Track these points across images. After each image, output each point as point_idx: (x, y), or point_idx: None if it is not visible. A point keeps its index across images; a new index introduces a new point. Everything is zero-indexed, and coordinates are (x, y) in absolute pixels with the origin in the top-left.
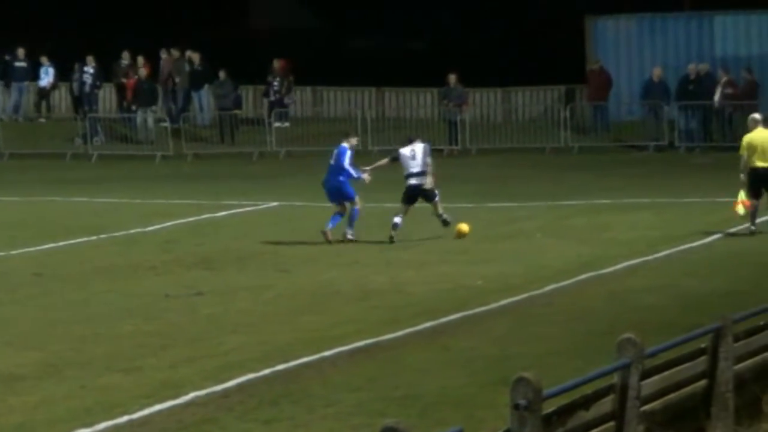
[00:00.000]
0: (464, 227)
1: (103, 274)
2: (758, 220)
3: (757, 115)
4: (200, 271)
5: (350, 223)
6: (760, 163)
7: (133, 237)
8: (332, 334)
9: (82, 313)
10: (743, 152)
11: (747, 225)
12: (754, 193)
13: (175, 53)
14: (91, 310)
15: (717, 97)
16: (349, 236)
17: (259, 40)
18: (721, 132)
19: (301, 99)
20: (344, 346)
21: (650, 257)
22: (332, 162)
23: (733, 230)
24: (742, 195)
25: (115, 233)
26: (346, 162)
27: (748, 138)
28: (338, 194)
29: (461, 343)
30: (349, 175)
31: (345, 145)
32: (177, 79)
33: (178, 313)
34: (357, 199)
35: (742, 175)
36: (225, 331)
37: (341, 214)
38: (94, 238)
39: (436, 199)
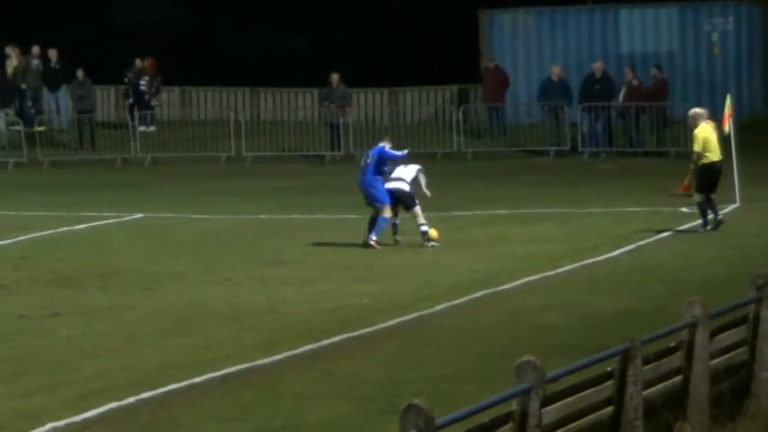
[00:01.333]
0: (433, 233)
1: None
2: (684, 227)
3: (699, 110)
4: (57, 290)
5: (376, 228)
6: (714, 157)
7: None
8: (203, 359)
9: None
10: (699, 148)
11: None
12: (710, 187)
13: (35, 50)
14: None
15: (621, 96)
16: (371, 242)
17: (121, 36)
18: (627, 136)
19: (168, 100)
20: (216, 372)
21: (551, 272)
22: (366, 162)
23: (643, 242)
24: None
25: None
26: (396, 152)
27: (701, 133)
28: (371, 198)
29: (345, 367)
30: (379, 180)
31: (384, 144)
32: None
33: (33, 336)
34: (387, 207)
35: (692, 167)
36: (85, 355)
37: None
38: None
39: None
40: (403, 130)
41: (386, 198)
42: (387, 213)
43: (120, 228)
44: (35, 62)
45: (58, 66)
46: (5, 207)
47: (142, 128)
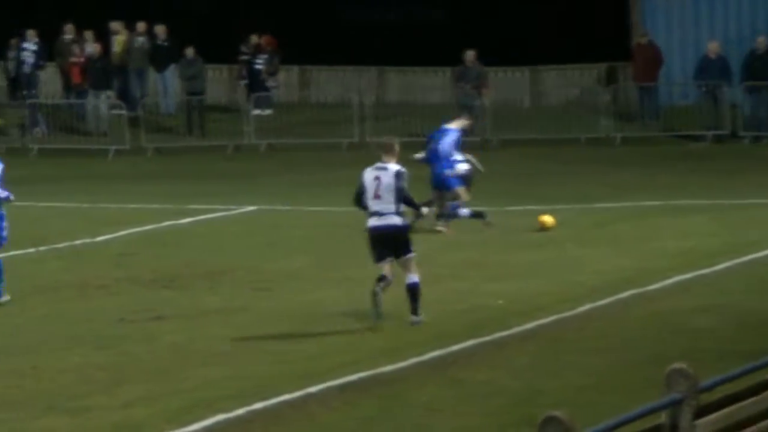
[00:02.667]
0: (548, 220)
1: (43, 294)
2: None
3: None
4: (161, 291)
5: (446, 215)
6: None
7: (80, 249)
8: (321, 366)
9: (18, 341)
10: None
11: None
12: None
13: (140, 26)
14: (29, 337)
15: None
16: (439, 227)
17: (231, 9)
18: None
19: (285, 81)
20: (335, 380)
21: (706, 271)
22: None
23: None
24: None
25: (58, 244)
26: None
27: None
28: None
29: (477, 375)
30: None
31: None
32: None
33: (134, 341)
34: (460, 190)
35: None
36: (191, 363)
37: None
38: (32, 250)
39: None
40: (546, 113)
41: (456, 182)
42: (460, 197)
43: (231, 222)
44: (140, 40)
45: (166, 43)
46: (105, 198)
47: (257, 112)
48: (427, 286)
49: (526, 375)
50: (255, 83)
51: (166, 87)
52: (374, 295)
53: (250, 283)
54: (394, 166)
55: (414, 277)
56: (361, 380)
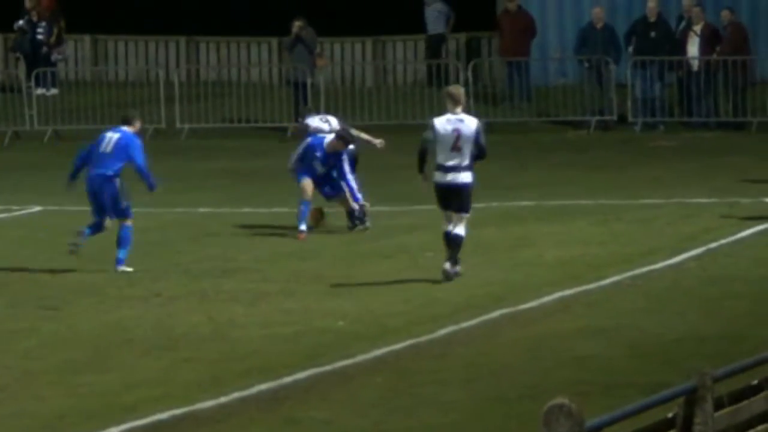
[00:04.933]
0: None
1: None
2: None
3: None
4: None
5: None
6: None
7: None
8: (124, 402)
9: None
10: None
11: None
12: None
13: None
14: None
15: (695, 49)
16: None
17: None
18: (693, 102)
19: (75, 54)
20: (142, 419)
21: (592, 286)
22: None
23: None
24: None
25: None
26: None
27: None
28: None
29: (314, 413)
30: None
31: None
32: None
33: None
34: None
35: None
36: None
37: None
38: None
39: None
40: (391, 94)
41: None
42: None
43: (10, 225)
44: None
45: None
46: None
47: (40, 91)
48: (251, 306)
49: (374, 413)
50: (35, 57)
51: None
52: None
53: (35, 300)
54: (473, 118)
55: (461, 231)
56: (173, 419)
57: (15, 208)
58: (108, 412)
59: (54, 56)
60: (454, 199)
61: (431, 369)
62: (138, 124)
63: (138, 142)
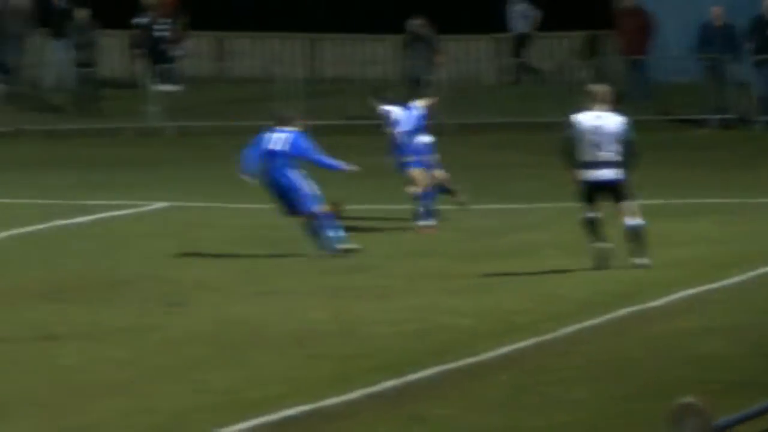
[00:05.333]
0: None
1: None
2: None
3: None
4: (50, 305)
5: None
6: None
7: None
8: (250, 398)
9: None
10: None
11: None
12: None
13: None
14: None
15: None
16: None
17: None
18: None
19: (195, 51)
20: (268, 415)
21: (716, 285)
22: None
23: None
24: None
25: None
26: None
27: None
28: None
29: (440, 410)
30: None
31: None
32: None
33: (20, 365)
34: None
35: None
36: (92, 392)
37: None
38: None
39: None
40: (513, 91)
41: None
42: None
43: (135, 221)
44: None
45: (63, 4)
46: None
47: (163, 87)
48: (377, 302)
49: (499, 410)
50: (157, 53)
51: (58, 57)
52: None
53: (161, 297)
54: (616, 116)
55: (637, 220)
56: (300, 415)
57: (140, 203)
58: (234, 408)
59: (175, 52)
60: (606, 193)
61: (556, 367)
62: (299, 124)
63: (304, 137)
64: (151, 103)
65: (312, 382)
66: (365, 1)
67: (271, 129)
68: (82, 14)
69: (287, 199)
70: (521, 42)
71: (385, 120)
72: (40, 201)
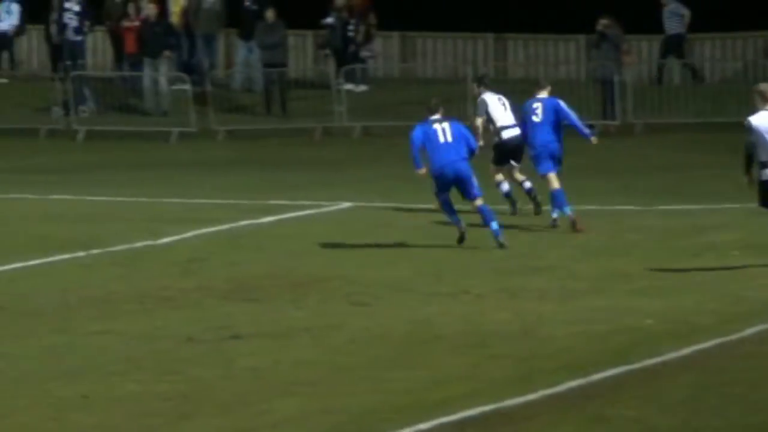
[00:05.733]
0: None
1: (94, 308)
2: None
3: None
4: (238, 304)
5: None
6: None
7: (140, 253)
8: (432, 398)
9: (63, 364)
10: None
11: None
12: None
13: None
14: (75, 360)
15: None
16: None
17: None
18: None
19: (384, 51)
20: (450, 415)
21: None
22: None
23: None
24: None
25: (112, 248)
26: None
27: None
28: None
29: (623, 411)
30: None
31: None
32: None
33: (205, 365)
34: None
35: None
36: (274, 391)
37: None
38: (81, 254)
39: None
40: (702, 91)
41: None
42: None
43: (321, 221)
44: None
45: (254, 6)
46: (168, 192)
47: (349, 87)
48: (560, 303)
49: (683, 412)
50: (345, 54)
51: (247, 57)
52: None
53: (345, 296)
54: None
55: None
56: (482, 415)
57: (324, 203)
58: (416, 408)
59: (363, 53)
60: None
61: (740, 368)
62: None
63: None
64: (338, 103)
65: (493, 382)
66: (553, 0)
67: (428, 122)
68: (270, 15)
69: (463, 187)
70: (678, 42)
71: (481, 108)
72: (227, 201)
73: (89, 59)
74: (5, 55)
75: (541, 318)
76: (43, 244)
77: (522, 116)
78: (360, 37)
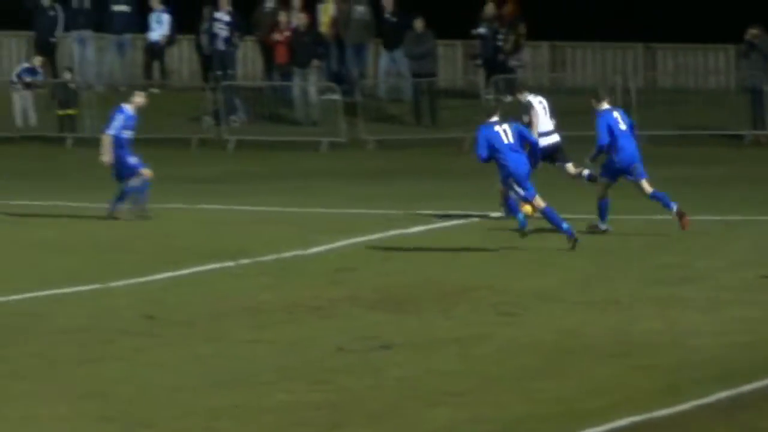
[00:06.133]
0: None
1: (244, 317)
2: None
3: None
4: (386, 314)
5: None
6: None
7: (289, 263)
8: (582, 408)
9: (213, 374)
10: None
11: None
12: None
13: None
14: (226, 369)
15: None
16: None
17: None
18: None
19: (533, 60)
20: (600, 425)
21: None
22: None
23: None
24: None
25: (261, 257)
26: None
27: None
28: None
29: None
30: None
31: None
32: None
33: (355, 374)
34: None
35: None
36: (424, 401)
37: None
38: (231, 264)
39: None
40: None
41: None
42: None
43: (469, 231)
44: (360, 9)
45: (393, 17)
46: (317, 201)
47: (498, 98)
48: (707, 313)
49: None
50: (494, 64)
51: (390, 67)
52: None
53: (493, 306)
54: None
55: None
56: (632, 426)
57: (473, 213)
58: (565, 418)
59: (512, 62)
60: None
61: None
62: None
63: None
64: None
65: (643, 392)
66: (702, 10)
67: (489, 125)
68: (419, 25)
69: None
70: None
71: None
72: (376, 211)
73: (240, 69)
74: (156, 65)
75: (688, 328)
76: (193, 254)
77: (607, 128)
78: (509, 47)
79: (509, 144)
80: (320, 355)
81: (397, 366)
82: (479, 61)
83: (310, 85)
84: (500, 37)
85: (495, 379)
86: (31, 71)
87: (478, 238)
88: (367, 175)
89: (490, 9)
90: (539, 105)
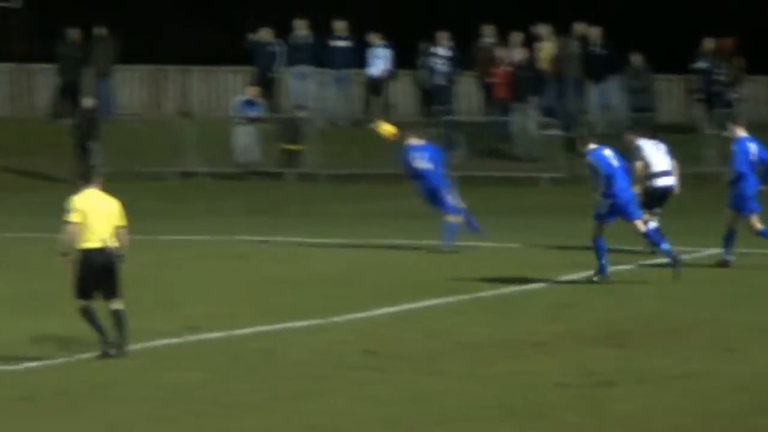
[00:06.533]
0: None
1: (464, 353)
2: None
3: None
4: (609, 350)
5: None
6: None
7: (509, 299)
8: None
9: (434, 409)
10: None
11: None
12: None
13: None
14: (448, 405)
15: None
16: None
17: (683, 10)
18: None
19: (752, 94)
20: None
21: None
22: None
23: None
24: None
25: (482, 293)
26: None
27: None
28: None
29: None
30: None
31: None
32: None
33: (576, 410)
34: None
35: None
36: None
37: None
38: (451, 299)
39: None
40: None
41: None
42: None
43: (695, 266)
44: (575, 44)
45: (603, 51)
46: (537, 237)
47: (720, 133)
48: None
49: None
50: (714, 98)
51: (605, 100)
52: None
53: (717, 342)
54: None
55: None
56: None
57: (694, 249)
58: None
59: (730, 95)
60: None
61: None
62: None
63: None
64: (707, 147)
65: None
66: None
67: (597, 149)
68: (637, 59)
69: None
70: None
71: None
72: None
73: (460, 104)
74: (376, 99)
75: None
76: (414, 289)
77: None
78: (727, 80)
79: (618, 167)
80: (541, 391)
81: (620, 402)
82: (700, 96)
83: (530, 121)
84: (719, 71)
85: (719, 416)
86: (250, 103)
87: (703, 272)
88: (587, 211)
89: (709, 43)
90: (653, 147)
